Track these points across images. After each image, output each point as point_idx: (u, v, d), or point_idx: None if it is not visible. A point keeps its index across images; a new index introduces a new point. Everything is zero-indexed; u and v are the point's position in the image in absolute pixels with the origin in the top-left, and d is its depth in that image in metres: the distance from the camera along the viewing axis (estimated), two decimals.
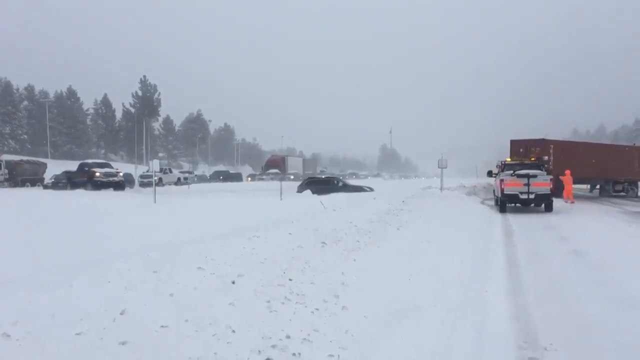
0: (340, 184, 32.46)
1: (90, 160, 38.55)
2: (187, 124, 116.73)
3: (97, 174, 31.99)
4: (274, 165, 69.56)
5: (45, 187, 37.09)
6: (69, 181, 34.42)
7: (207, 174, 76.47)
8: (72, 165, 47.62)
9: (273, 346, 4.39)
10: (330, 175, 35.16)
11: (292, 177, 64.20)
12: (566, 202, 23.57)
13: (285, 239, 9.18)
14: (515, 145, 28.48)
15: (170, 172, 52.63)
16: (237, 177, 66.81)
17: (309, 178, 36.82)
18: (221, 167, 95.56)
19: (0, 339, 3.95)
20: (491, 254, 9.88)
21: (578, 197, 27.09)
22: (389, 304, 5.99)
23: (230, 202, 22.32)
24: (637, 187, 30.71)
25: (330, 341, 4.70)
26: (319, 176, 36.08)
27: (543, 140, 28.60)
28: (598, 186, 32.08)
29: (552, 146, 27.81)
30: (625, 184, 30.52)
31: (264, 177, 66.16)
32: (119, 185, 32.70)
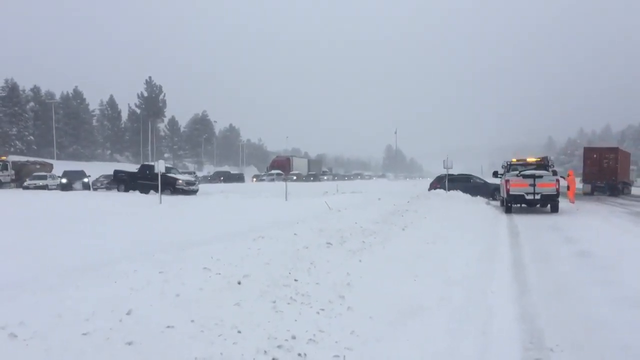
0: (480, 181, 29.36)
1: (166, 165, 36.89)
2: (192, 124, 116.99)
3: (180, 181, 31.00)
4: (279, 166, 69.07)
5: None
6: (121, 181, 32.75)
7: (209, 174, 74.58)
8: (78, 166, 47.62)
9: (279, 346, 4.39)
10: (466, 173, 32.11)
11: (294, 177, 63.33)
12: (572, 202, 23.52)
13: (291, 239, 9.18)
14: (589, 152, 33.40)
15: None
16: (239, 178, 64.96)
17: (444, 176, 32.59)
18: (226, 168, 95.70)
19: (7, 339, 3.97)
20: (497, 255, 9.86)
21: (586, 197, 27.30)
22: (394, 304, 5.98)
23: (235, 203, 22.36)
24: (630, 187, 35.11)
25: (336, 342, 4.70)
26: (454, 173, 32.70)
27: (617, 148, 34.31)
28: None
29: (620, 154, 32.94)
30: (622, 183, 33.62)
31: (264, 178, 65.07)
32: (193, 193, 31.43)
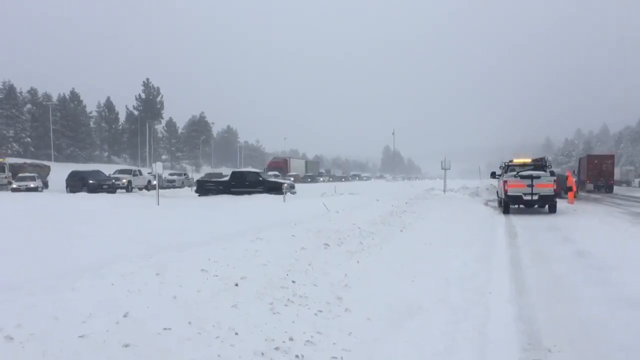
0: None
1: (256, 170, 35.06)
2: (190, 126, 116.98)
3: (285, 184, 30.30)
4: (277, 168, 68.48)
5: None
6: (209, 191, 30.49)
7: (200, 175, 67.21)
8: (76, 168, 47.14)
9: (276, 348, 4.38)
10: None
11: (292, 179, 62.23)
12: (570, 203, 23.56)
13: (288, 240, 9.17)
14: (591, 158, 42.62)
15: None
16: None
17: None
18: (223, 169, 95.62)
19: (3, 341, 3.95)
20: (495, 256, 9.86)
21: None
22: (392, 305, 5.98)
23: (233, 204, 22.32)
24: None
25: (334, 343, 4.69)
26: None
27: (613, 155, 45.74)
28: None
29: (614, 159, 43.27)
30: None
31: None
32: (294, 194, 30.94)
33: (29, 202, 23.16)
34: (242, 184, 30.00)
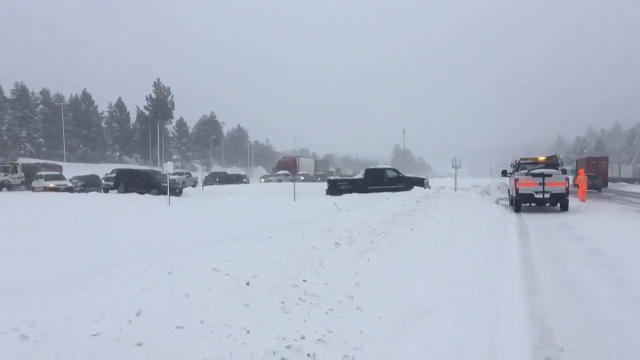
0: None
1: (392, 167, 33.27)
2: (200, 126, 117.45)
3: (426, 180, 30.53)
4: (286, 167, 67.95)
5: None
6: (340, 191, 29.26)
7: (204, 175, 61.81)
8: (87, 168, 47.51)
9: (288, 347, 4.39)
10: None
11: (302, 178, 60.95)
12: (582, 201, 23.38)
13: (299, 240, 9.18)
14: (590, 160, 52.11)
15: None
16: (237, 179, 58.73)
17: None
18: (234, 169, 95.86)
19: (18, 341, 4.00)
20: (506, 255, 9.81)
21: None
22: (403, 304, 5.97)
23: (244, 204, 22.41)
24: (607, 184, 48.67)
25: (345, 342, 4.70)
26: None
27: (607, 157, 54.22)
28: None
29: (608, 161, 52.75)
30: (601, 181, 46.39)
31: (271, 178, 62.42)
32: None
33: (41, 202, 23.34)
34: (380, 181, 28.88)
